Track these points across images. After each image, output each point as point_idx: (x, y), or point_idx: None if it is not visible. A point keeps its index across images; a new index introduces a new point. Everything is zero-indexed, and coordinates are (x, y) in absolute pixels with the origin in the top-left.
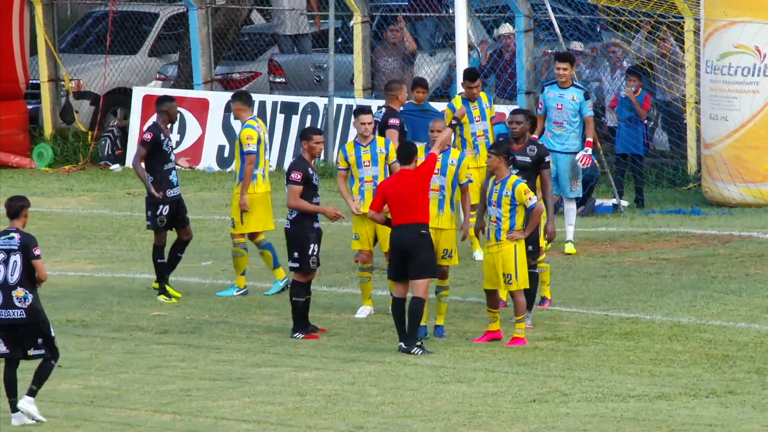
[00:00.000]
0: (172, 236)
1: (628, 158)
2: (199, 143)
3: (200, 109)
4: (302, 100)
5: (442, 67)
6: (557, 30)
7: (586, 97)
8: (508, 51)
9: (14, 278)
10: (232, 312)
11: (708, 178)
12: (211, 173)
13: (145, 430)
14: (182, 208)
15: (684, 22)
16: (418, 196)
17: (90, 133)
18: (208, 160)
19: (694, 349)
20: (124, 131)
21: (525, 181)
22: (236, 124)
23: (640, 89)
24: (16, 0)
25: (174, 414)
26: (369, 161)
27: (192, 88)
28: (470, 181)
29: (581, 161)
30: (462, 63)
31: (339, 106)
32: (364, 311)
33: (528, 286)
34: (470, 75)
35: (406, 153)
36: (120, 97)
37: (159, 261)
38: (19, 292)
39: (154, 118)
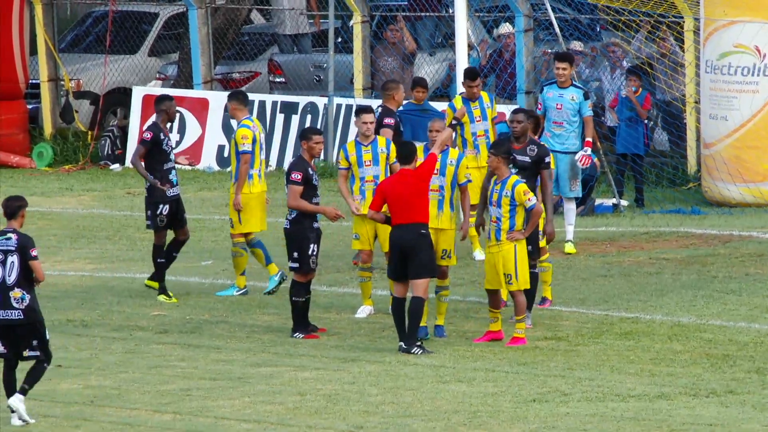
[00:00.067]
0: (169, 236)
1: (628, 158)
2: (199, 143)
3: (200, 108)
4: (302, 100)
5: (442, 67)
6: (557, 30)
7: (586, 96)
8: (507, 51)
9: (11, 279)
10: (232, 312)
11: (708, 178)
12: (211, 173)
13: (145, 429)
14: (181, 208)
15: (684, 22)
16: (418, 196)
17: (90, 132)
18: (207, 160)
19: (694, 349)
20: (124, 131)
21: (525, 181)
22: (235, 124)
23: (641, 89)
24: (16, 0)
25: (174, 414)
26: (370, 161)
27: (192, 88)
28: (469, 180)
29: (580, 161)
30: (462, 63)
31: (339, 106)
32: (364, 311)
33: (529, 287)
34: (471, 74)
35: (405, 153)
36: (120, 97)
37: (159, 260)
38: (16, 293)
39: (153, 118)
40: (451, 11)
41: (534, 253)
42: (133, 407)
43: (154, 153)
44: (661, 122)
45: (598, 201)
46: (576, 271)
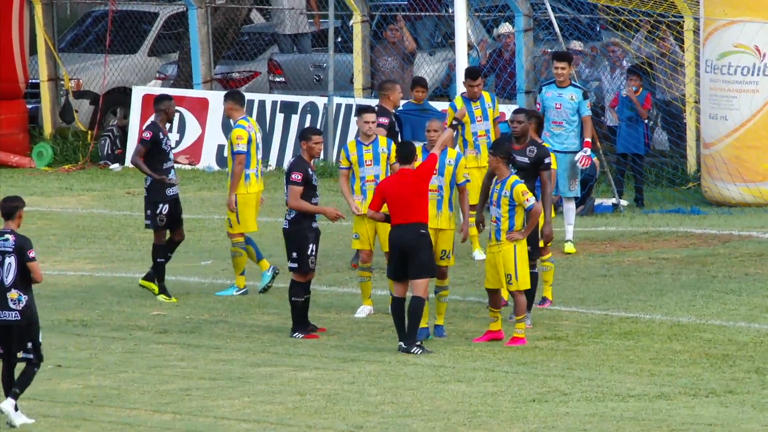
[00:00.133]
0: None
1: (628, 158)
2: (199, 143)
3: (200, 108)
4: (302, 100)
5: (442, 67)
6: (557, 29)
7: (585, 96)
8: (507, 50)
9: (9, 280)
10: (231, 312)
11: (708, 178)
12: (210, 172)
13: (145, 429)
14: (179, 208)
15: (683, 22)
16: (418, 196)
17: (89, 132)
18: (207, 160)
19: (693, 349)
20: (123, 131)
21: (523, 181)
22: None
23: (641, 89)
24: (16, 0)
25: (174, 413)
26: (371, 160)
27: (192, 88)
28: (467, 180)
29: (580, 162)
30: (461, 62)
31: (339, 106)
32: (363, 311)
33: (529, 287)
34: (472, 73)
35: (405, 153)
36: (120, 97)
37: (159, 260)
38: (13, 294)
39: (152, 118)
40: (450, 11)
41: (533, 254)
42: (133, 407)
43: (154, 152)
44: (661, 122)
45: (597, 201)
46: (576, 270)
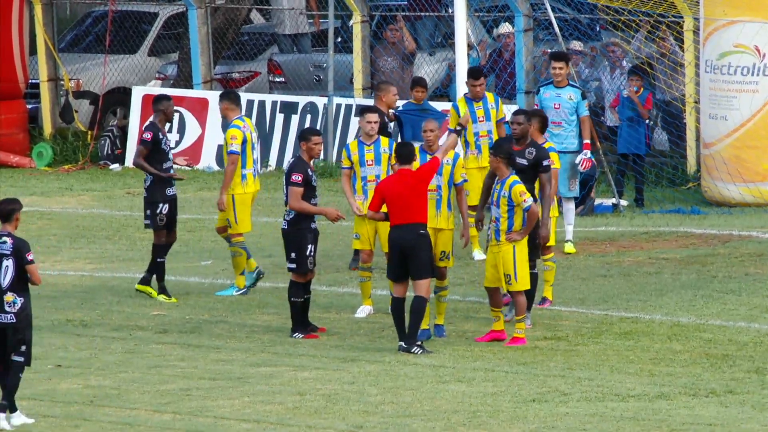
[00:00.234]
0: None
1: (629, 158)
2: (199, 143)
3: (200, 108)
4: (302, 100)
5: (442, 67)
6: (557, 29)
7: (583, 96)
8: (507, 50)
9: (5, 283)
10: (231, 312)
11: (707, 178)
12: (210, 173)
13: (145, 429)
14: (176, 210)
15: (683, 22)
16: (417, 196)
17: (89, 132)
18: (207, 160)
19: (693, 349)
20: (123, 131)
21: (522, 182)
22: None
23: (642, 89)
24: (16, 0)
25: (174, 413)
26: (372, 160)
27: (191, 88)
28: (465, 180)
29: (581, 165)
30: (461, 63)
31: (338, 106)
32: (363, 311)
33: (529, 287)
34: (474, 73)
35: (405, 153)
36: (119, 97)
37: (159, 260)
38: (8, 297)
39: (151, 118)
40: (450, 11)
41: (533, 254)
42: (133, 407)
43: (153, 153)
44: (661, 122)
45: (597, 201)
46: (576, 271)
